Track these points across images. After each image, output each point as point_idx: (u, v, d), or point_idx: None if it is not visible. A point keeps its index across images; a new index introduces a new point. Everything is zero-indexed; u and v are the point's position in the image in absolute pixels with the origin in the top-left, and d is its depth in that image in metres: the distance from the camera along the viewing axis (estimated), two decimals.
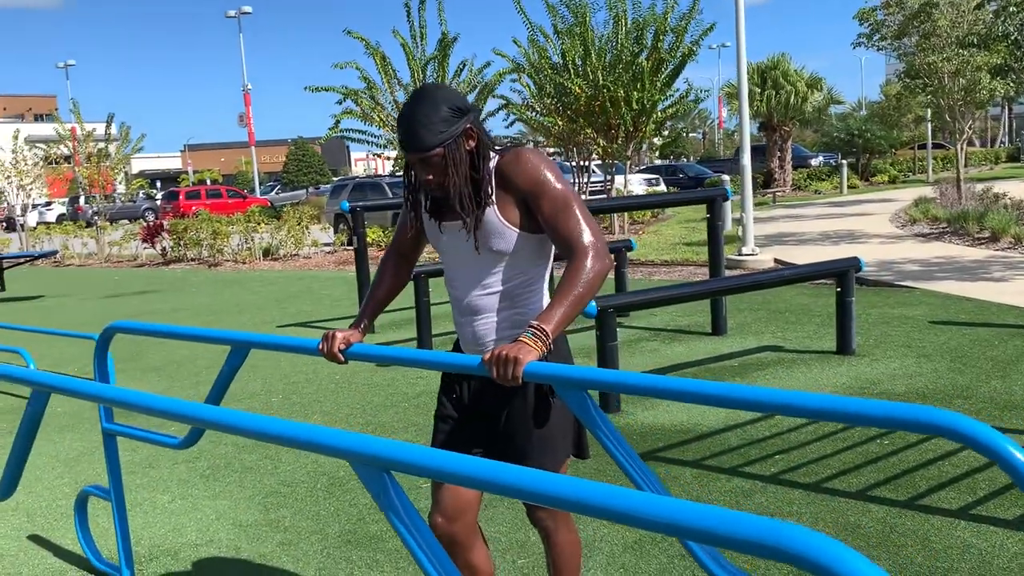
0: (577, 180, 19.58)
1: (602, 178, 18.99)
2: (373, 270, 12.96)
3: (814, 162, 33.23)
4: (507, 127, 19.23)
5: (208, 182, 58.72)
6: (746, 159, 11.84)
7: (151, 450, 5.04)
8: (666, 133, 20.79)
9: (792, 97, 26.45)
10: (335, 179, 41.01)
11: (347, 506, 4.01)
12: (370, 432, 5.17)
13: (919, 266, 10.27)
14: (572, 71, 16.82)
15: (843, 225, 16.13)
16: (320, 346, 2.39)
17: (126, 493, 4.36)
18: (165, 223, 19.09)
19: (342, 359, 2.38)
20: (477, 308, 2.33)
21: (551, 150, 20.93)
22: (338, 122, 17.54)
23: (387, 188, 21.05)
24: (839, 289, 6.20)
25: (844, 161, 27.71)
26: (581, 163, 19.24)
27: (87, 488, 3.46)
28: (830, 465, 4.12)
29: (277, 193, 44.63)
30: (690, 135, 79.89)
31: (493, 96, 18.28)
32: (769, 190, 25.81)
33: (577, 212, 2.17)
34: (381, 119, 17.67)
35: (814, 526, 3.46)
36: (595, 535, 3.52)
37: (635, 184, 25.76)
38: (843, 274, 6.19)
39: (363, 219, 8.44)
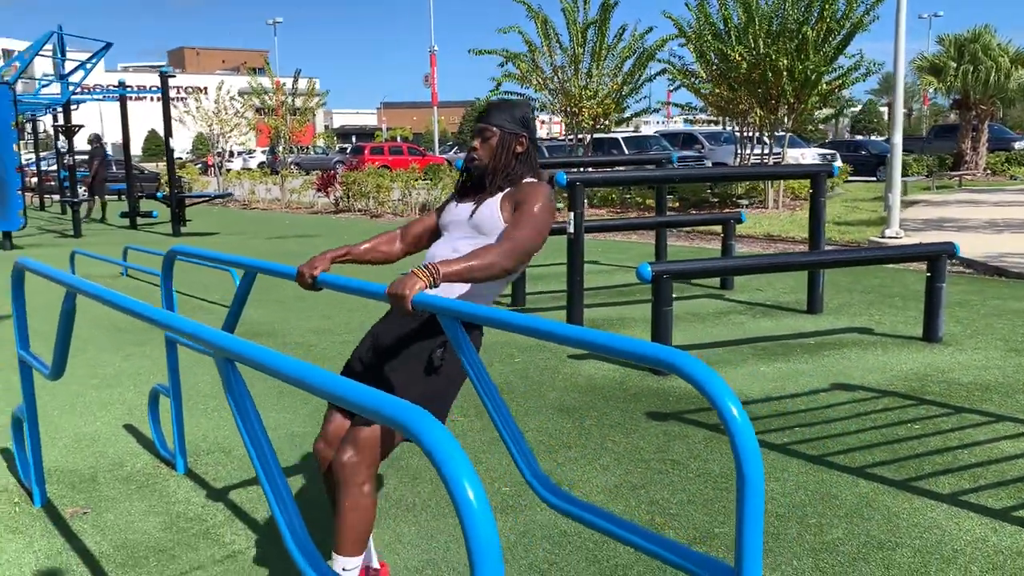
0: (740, 151, 19.16)
1: (762, 150, 18.44)
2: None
3: (1017, 145, 30.48)
4: (672, 90, 19.07)
5: (399, 139, 61.57)
6: (897, 138, 11.29)
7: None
8: (852, 105, 19.85)
9: (992, 74, 24.38)
10: None
11: None
12: None
13: None
14: (734, 37, 16.45)
15: (1020, 214, 14.95)
16: (297, 275, 2.81)
17: (209, 402, 5.04)
18: (338, 175, 20.41)
19: (309, 283, 2.78)
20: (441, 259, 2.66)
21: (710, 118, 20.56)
22: (499, 85, 18.10)
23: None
24: (929, 274, 5.99)
25: None
26: (744, 133, 18.79)
27: (156, 386, 4.10)
28: (845, 442, 4.13)
29: (455, 153, 46.14)
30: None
31: (656, 60, 18.21)
32: (956, 173, 24.09)
33: (527, 229, 2.57)
34: (539, 82, 18.02)
35: (794, 493, 3.55)
36: (526, 529, 3.77)
37: (808, 158, 24.72)
38: (935, 258, 5.97)
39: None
